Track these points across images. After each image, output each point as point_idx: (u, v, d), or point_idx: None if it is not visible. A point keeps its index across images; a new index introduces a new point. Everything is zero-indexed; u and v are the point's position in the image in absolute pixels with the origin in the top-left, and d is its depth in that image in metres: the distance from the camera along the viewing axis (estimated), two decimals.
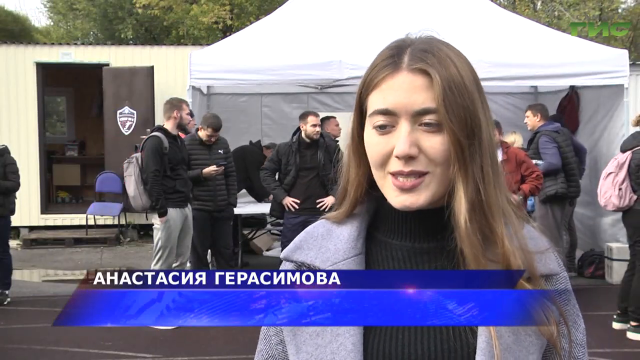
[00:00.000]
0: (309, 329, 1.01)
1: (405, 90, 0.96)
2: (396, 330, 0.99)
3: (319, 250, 1.05)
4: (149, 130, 6.22)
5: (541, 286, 0.99)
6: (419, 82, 0.96)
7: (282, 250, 6.82)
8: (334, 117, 8.21)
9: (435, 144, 0.95)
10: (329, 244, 1.05)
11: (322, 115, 8.57)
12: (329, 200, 6.27)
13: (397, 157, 0.96)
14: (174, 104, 6.05)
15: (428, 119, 0.95)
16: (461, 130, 0.95)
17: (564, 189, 6.90)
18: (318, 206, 6.26)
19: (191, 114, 6.41)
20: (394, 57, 0.99)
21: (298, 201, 6.33)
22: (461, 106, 0.95)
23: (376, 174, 1.01)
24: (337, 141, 7.98)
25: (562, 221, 7.00)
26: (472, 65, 1.02)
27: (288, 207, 6.35)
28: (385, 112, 0.97)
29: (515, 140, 7.54)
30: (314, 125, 6.34)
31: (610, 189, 5.61)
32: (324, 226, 1.09)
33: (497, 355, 0.93)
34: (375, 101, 0.99)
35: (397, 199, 0.98)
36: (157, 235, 5.93)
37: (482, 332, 0.95)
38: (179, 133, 6.17)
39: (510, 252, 0.97)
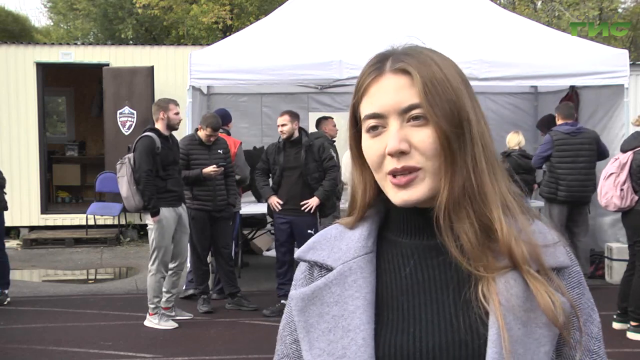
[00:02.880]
0: (322, 325, 1.04)
1: (389, 91, 1.01)
2: (408, 323, 1.01)
3: (331, 250, 1.09)
4: (144, 130, 6.22)
5: (551, 278, 1.01)
6: (402, 81, 1.01)
7: (275, 249, 6.79)
8: (331, 118, 8.18)
9: (424, 137, 0.99)
10: (341, 244, 1.09)
11: (319, 115, 8.58)
12: (313, 202, 6.26)
13: (389, 154, 1.00)
14: (161, 106, 6.08)
15: (414, 113, 0.99)
16: (447, 122, 0.98)
17: (547, 191, 6.91)
18: (302, 208, 6.26)
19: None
20: (378, 63, 1.04)
21: (281, 202, 6.35)
22: (445, 99, 0.99)
23: (377, 177, 1.05)
24: (334, 141, 7.98)
25: (559, 221, 6.96)
26: (465, 64, 1.07)
27: (272, 206, 6.39)
28: (374, 116, 1.02)
29: (519, 141, 7.53)
30: (278, 126, 6.38)
31: (611, 190, 5.60)
32: (337, 229, 1.13)
33: (506, 348, 0.94)
34: (365, 107, 1.04)
35: (396, 196, 1.02)
36: (152, 235, 5.94)
37: (493, 324, 0.96)
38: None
39: (510, 236, 0.99)
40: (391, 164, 1.00)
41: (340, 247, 1.08)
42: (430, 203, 1.02)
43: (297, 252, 1.13)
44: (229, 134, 7.31)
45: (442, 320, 1.00)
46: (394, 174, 1.00)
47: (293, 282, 1.14)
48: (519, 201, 1.04)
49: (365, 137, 1.04)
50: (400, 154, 0.99)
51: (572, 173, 6.84)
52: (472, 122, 1.01)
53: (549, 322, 0.98)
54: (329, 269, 1.07)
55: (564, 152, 6.85)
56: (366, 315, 1.01)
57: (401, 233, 1.08)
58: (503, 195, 1.02)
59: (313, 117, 9.14)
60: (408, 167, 0.99)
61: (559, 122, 7.03)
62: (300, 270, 1.13)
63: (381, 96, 1.01)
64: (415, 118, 0.99)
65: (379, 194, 1.08)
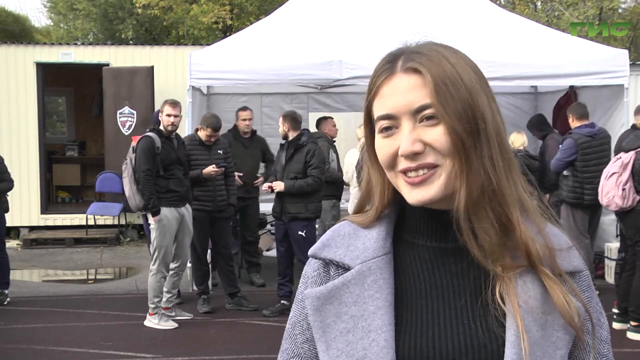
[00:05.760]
0: (339, 325, 1.02)
1: (401, 92, 0.99)
2: (427, 326, 1.01)
3: (348, 248, 1.07)
4: (147, 130, 6.23)
5: (566, 281, 1.01)
6: (413, 81, 0.99)
7: (276, 250, 6.74)
8: (331, 118, 8.17)
9: (437, 135, 0.97)
10: (357, 242, 1.07)
11: (319, 115, 8.57)
12: (277, 185, 6.19)
13: (402, 156, 0.99)
14: (161, 106, 6.12)
15: (427, 113, 0.98)
16: (459, 122, 0.97)
17: (573, 197, 6.68)
18: (255, 183, 6.47)
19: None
20: (390, 63, 1.03)
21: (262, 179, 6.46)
22: (457, 98, 0.97)
23: (390, 176, 1.04)
24: (334, 141, 7.96)
25: (583, 226, 6.77)
26: (475, 63, 1.03)
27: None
28: (386, 117, 1.01)
29: (524, 141, 7.48)
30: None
31: (613, 189, 5.58)
32: (349, 225, 1.10)
33: (525, 349, 0.95)
34: (377, 108, 1.03)
35: (410, 195, 1.00)
36: (153, 235, 5.95)
37: (511, 326, 0.97)
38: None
39: (527, 236, 0.99)
40: (405, 163, 0.99)
41: (356, 245, 1.06)
42: (445, 205, 1.01)
43: (312, 249, 1.10)
44: None
45: (460, 324, 1.00)
46: (406, 172, 0.99)
47: (303, 279, 1.11)
48: (534, 201, 1.04)
49: (378, 137, 1.03)
50: (413, 155, 0.98)
51: (598, 176, 6.31)
52: (488, 120, 0.99)
53: (566, 326, 0.99)
54: (346, 268, 1.05)
55: (588, 155, 6.58)
56: (388, 317, 1.00)
57: (417, 235, 1.07)
58: (519, 194, 1.01)
59: (313, 117, 9.14)
60: (424, 165, 0.98)
61: (573, 123, 6.76)
62: (312, 268, 1.10)
63: (393, 97, 1.00)
64: (428, 118, 0.98)
65: (396, 194, 1.07)
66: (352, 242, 1.07)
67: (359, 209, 1.12)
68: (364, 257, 1.04)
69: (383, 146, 1.02)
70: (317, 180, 6.19)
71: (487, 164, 0.98)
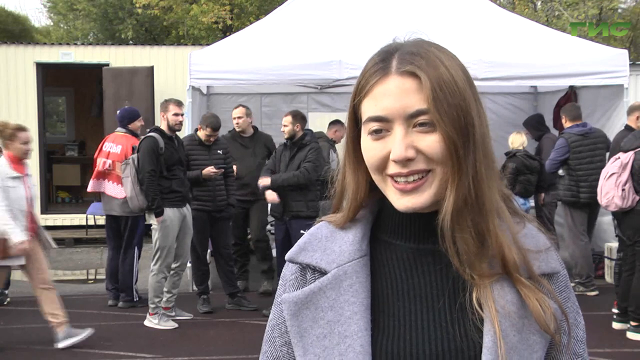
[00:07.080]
0: (316, 331, 1.01)
1: (396, 94, 0.97)
2: (404, 331, 0.99)
3: (324, 252, 1.05)
4: (148, 130, 6.24)
5: (541, 284, 1.00)
6: (408, 84, 0.96)
7: (275, 251, 6.68)
8: (340, 124, 8.00)
9: (431, 142, 0.96)
10: (333, 245, 1.05)
11: (318, 115, 8.55)
12: (264, 180, 6.14)
13: (394, 161, 0.97)
14: (162, 106, 6.15)
15: (422, 119, 0.96)
16: (454, 129, 0.95)
17: (570, 195, 6.76)
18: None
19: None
20: (383, 62, 0.99)
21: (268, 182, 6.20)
22: (452, 105, 0.95)
23: (376, 179, 1.02)
24: (334, 142, 7.94)
25: (581, 225, 6.84)
26: (465, 64, 1.02)
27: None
28: (378, 119, 0.98)
29: (523, 141, 7.47)
30: (282, 125, 6.28)
31: (612, 190, 5.57)
32: (326, 227, 1.09)
33: (502, 355, 0.94)
34: (368, 108, 1.00)
35: (399, 202, 0.99)
36: (155, 235, 5.95)
37: (488, 332, 0.96)
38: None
39: (504, 244, 0.98)
40: (395, 168, 0.97)
41: (333, 248, 1.05)
42: (428, 209, 1.00)
43: (289, 254, 1.09)
44: (135, 135, 6.85)
45: (438, 327, 0.99)
46: (396, 177, 0.98)
47: (281, 282, 1.10)
48: (508, 204, 1.03)
49: (367, 139, 1.00)
50: (406, 161, 0.96)
51: (592, 174, 6.58)
52: (476, 126, 0.98)
53: (541, 329, 0.98)
54: (323, 272, 1.04)
55: (580, 153, 6.72)
56: (363, 322, 0.99)
57: (395, 235, 1.06)
58: (497, 202, 1.00)
59: (313, 117, 9.13)
60: (415, 171, 0.96)
61: (566, 124, 6.89)
62: (290, 271, 1.09)
63: (386, 99, 0.97)
64: (422, 124, 0.96)
65: (370, 194, 1.06)
66: (329, 245, 1.06)
67: (335, 208, 1.11)
68: (340, 260, 1.03)
69: (372, 149, 0.99)
70: (304, 173, 6.03)
71: (470, 172, 0.97)
